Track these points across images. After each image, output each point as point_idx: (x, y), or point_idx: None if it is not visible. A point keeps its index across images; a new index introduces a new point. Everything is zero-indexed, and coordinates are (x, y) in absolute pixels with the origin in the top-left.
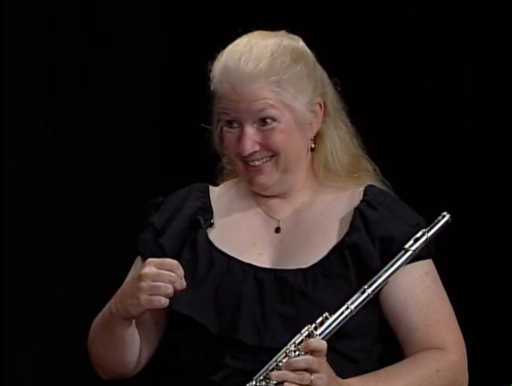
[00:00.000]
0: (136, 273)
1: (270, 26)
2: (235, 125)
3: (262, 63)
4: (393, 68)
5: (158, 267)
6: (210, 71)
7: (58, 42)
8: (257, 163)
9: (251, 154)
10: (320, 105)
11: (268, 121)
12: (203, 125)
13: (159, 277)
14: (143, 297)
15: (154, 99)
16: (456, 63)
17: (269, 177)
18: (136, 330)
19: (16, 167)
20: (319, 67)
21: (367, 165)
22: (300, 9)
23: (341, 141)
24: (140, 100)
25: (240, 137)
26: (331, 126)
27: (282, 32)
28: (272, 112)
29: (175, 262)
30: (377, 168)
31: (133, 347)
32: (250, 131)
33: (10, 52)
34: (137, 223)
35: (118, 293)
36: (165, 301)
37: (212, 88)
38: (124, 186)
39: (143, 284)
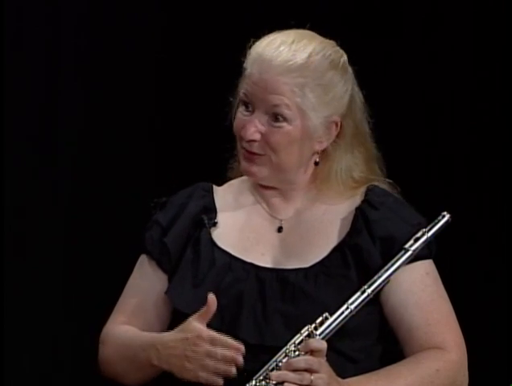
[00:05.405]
0: (142, 271)
1: (274, 28)
2: (250, 108)
3: (295, 60)
4: (393, 67)
5: (212, 343)
6: (250, 48)
7: (58, 42)
8: (254, 150)
9: (251, 142)
10: (337, 125)
11: (279, 118)
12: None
13: (211, 354)
14: (202, 374)
15: (155, 99)
16: (457, 63)
17: (260, 169)
18: None
19: (16, 167)
20: (355, 89)
21: (378, 181)
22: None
23: (350, 165)
24: (140, 100)
25: (248, 122)
26: (342, 149)
27: (331, 42)
28: (285, 111)
29: (228, 341)
30: (392, 181)
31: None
32: (258, 120)
33: (10, 52)
34: (137, 223)
35: (160, 345)
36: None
37: (244, 65)
38: (124, 187)
39: (194, 359)
